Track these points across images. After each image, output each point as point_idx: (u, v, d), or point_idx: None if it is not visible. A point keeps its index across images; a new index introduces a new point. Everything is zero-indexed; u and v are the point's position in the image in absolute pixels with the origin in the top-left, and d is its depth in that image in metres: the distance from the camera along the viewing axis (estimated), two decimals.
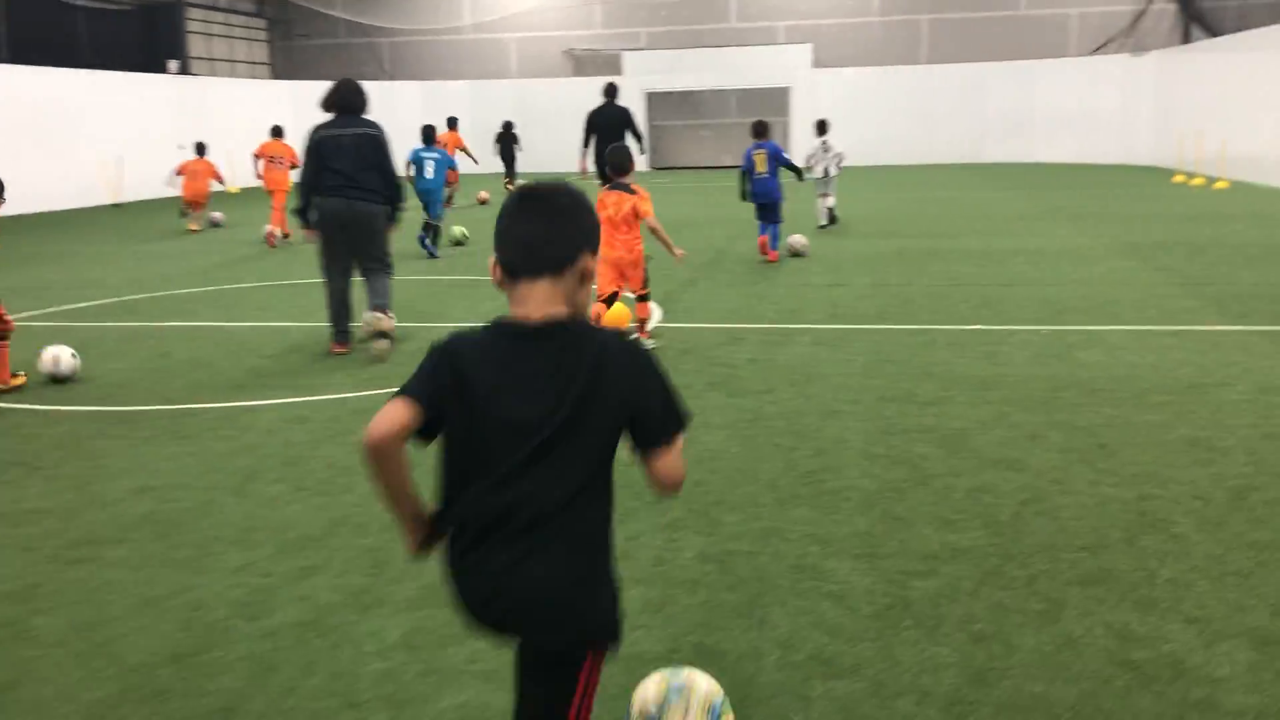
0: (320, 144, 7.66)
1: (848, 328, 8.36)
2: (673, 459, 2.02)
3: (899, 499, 4.64)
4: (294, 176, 15.18)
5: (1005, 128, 32.29)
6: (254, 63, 36.89)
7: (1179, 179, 22.98)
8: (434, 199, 13.72)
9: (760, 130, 12.29)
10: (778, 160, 12.03)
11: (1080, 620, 3.49)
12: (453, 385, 1.97)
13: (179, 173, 17.50)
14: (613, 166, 7.68)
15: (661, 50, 34.60)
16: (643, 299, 7.84)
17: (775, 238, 12.23)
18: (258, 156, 16.58)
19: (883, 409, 6.03)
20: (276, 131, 16.91)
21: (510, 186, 23.41)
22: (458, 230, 14.55)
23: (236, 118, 30.32)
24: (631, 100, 35.04)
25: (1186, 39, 29.11)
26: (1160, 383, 6.44)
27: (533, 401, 1.94)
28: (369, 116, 7.88)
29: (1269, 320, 8.16)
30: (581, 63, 35.67)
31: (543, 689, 2.07)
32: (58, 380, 7.12)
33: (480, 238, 14.55)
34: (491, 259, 2.06)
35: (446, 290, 10.99)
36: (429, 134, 14.16)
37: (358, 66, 36.78)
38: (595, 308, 7.41)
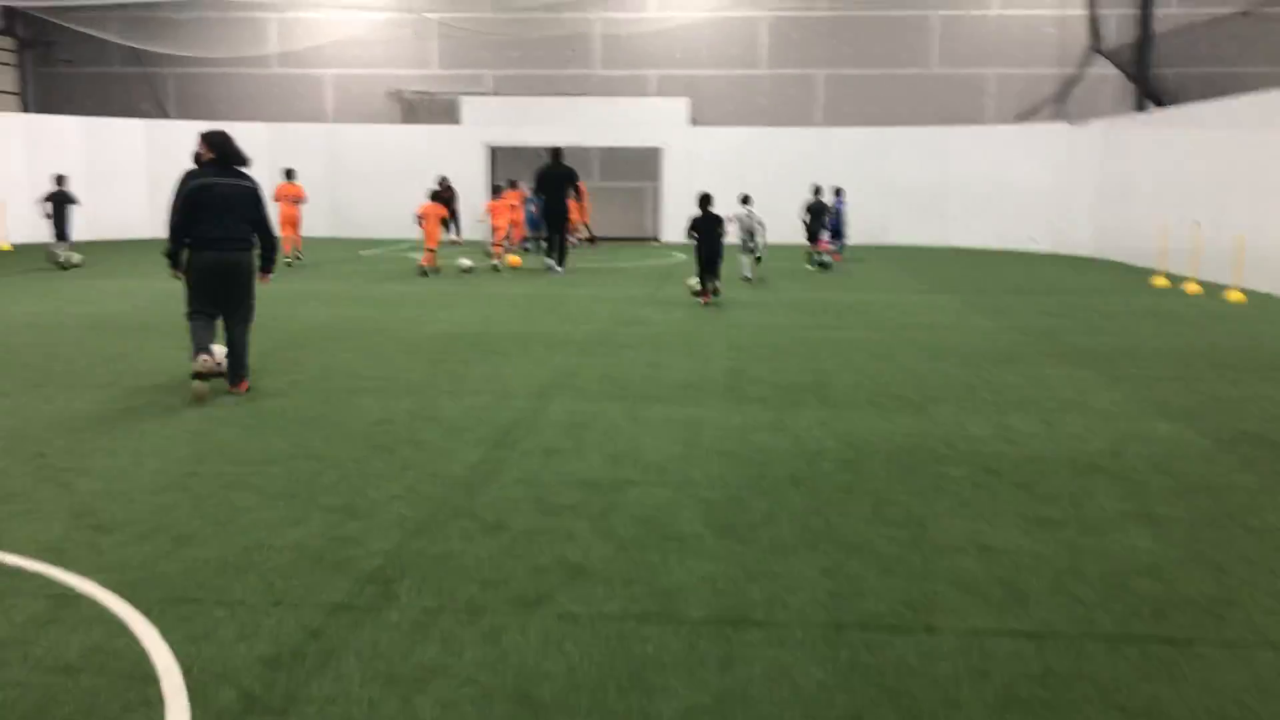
0: None
1: None
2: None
3: None
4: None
5: (914, 203, 27.22)
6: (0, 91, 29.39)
7: (1160, 282, 17.79)
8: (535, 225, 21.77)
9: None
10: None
11: None
12: (698, 220, 13.77)
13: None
14: (511, 184, 19.67)
15: (510, 97, 28.57)
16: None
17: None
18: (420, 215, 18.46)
19: None
20: (436, 196, 19.22)
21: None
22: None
23: None
24: (472, 155, 28.92)
25: (1141, 107, 24.36)
26: None
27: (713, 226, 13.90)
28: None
29: None
30: (412, 108, 29.33)
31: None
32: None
33: None
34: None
35: None
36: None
37: (133, 102, 29.71)
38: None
